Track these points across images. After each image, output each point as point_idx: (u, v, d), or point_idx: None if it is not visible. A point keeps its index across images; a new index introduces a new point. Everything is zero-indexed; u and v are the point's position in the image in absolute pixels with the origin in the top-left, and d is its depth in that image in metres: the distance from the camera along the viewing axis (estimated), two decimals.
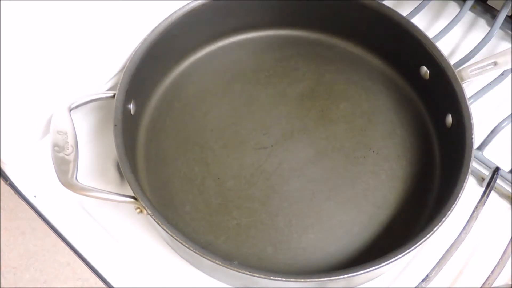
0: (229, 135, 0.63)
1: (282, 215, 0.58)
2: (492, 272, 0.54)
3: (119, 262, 0.59)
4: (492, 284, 0.54)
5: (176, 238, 0.49)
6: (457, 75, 0.59)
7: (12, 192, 0.63)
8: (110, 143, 0.55)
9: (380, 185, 0.60)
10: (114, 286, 0.58)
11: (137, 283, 0.58)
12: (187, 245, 0.49)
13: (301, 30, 0.70)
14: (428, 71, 0.63)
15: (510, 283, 0.57)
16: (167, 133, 0.63)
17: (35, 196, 0.62)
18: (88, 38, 0.54)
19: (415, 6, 0.73)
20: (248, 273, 0.48)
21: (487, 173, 0.63)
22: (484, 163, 0.64)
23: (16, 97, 0.51)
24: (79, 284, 0.59)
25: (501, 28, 0.73)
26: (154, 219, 0.50)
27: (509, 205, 0.63)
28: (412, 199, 0.59)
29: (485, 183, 0.63)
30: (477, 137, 0.58)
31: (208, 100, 0.65)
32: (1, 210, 0.62)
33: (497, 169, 0.62)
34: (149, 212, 0.50)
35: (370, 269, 0.48)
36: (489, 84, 0.67)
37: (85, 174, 0.60)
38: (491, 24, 0.73)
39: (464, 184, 0.52)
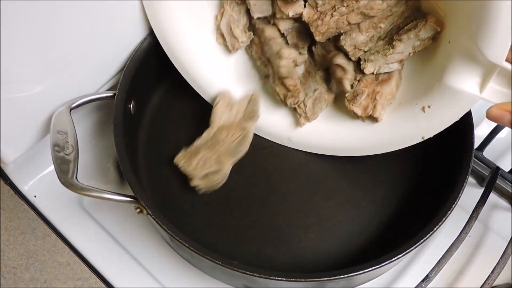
0: None
1: (282, 215, 0.58)
2: (492, 272, 0.54)
3: (119, 262, 0.59)
4: (492, 284, 0.54)
5: (176, 238, 0.49)
6: None
7: (12, 192, 0.63)
8: (110, 143, 0.55)
9: (380, 185, 0.60)
10: (114, 286, 0.58)
11: (137, 283, 0.58)
12: (187, 245, 0.49)
13: None
14: None
15: (510, 283, 0.57)
16: (167, 133, 0.63)
17: (35, 196, 0.62)
18: (88, 38, 0.54)
19: None
20: (248, 273, 0.48)
21: (487, 173, 0.63)
22: (484, 163, 0.64)
23: (16, 97, 0.51)
24: (79, 284, 0.59)
25: None
26: (154, 219, 0.50)
27: (509, 205, 0.63)
28: (412, 199, 0.59)
29: (485, 183, 0.63)
30: (477, 137, 0.58)
31: None
32: (1, 210, 0.62)
33: (497, 169, 0.62)
34: (149, 212, 0.50)
35: (370, 269, 0.48)
36: None
37: (85, 174, 0.60)
38: None
39: (464, 184, 0.52)
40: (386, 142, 0.56)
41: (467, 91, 0.49)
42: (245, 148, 0.57)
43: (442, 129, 0.53)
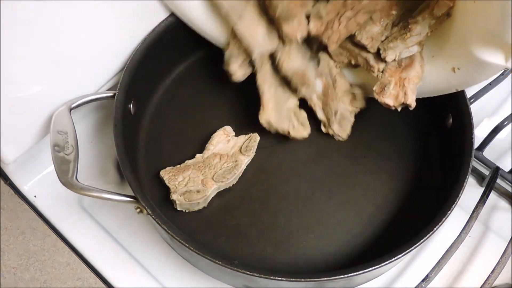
0: None
1: (282, 215, 0.58)
2: (492, 272, 0.54)
3: (119, 262, 0.59)
4: (492, 284, 0.54)
5: (176, 237, 0.49)
6: None
7: (12, 192, 0.63)
8: (110, 143, 0.55)
9: (380, 185, 0.60)
10: (114, 286, 0.58)
11: (137, 283, 0.58)
12: (187, 245, 0.49)
13: None
14: None
15: (510, 283, 0.57)
16: (167, 133, 0.63)
17: (35, 196, 0.62)
18: (88, 38, 0.54)
19: None
20: (248, 273, 0.48)
21: (487, 173, 0.63)
22: (484, 163, 0.64)
23: (16, 97, 0.51)
24: (79, 284, 0.59)
25: None
26: (154, 219, 0.50)
27: (509, 205, 0.63)
28: (412, 199, 0.59)
29: (485, 183, 0.63)
30: (477, 137, 0.58)
31: (208, 100, 0.65)
32: (1, 210, 0.62)
33: (497, 169, 0.62)
34: (149, 212, 0.50)
35: (370, 269, 0.48)
36: (489, 84, 0.67)
37: (85, 174, 0.60)
38: None
39: (464, 184, 0.52)
40: (420, 89, 0.56)
41: (492, 62, 0.49)
42: (232, 177, 0.58)
43: (474, 85, 0.54)
